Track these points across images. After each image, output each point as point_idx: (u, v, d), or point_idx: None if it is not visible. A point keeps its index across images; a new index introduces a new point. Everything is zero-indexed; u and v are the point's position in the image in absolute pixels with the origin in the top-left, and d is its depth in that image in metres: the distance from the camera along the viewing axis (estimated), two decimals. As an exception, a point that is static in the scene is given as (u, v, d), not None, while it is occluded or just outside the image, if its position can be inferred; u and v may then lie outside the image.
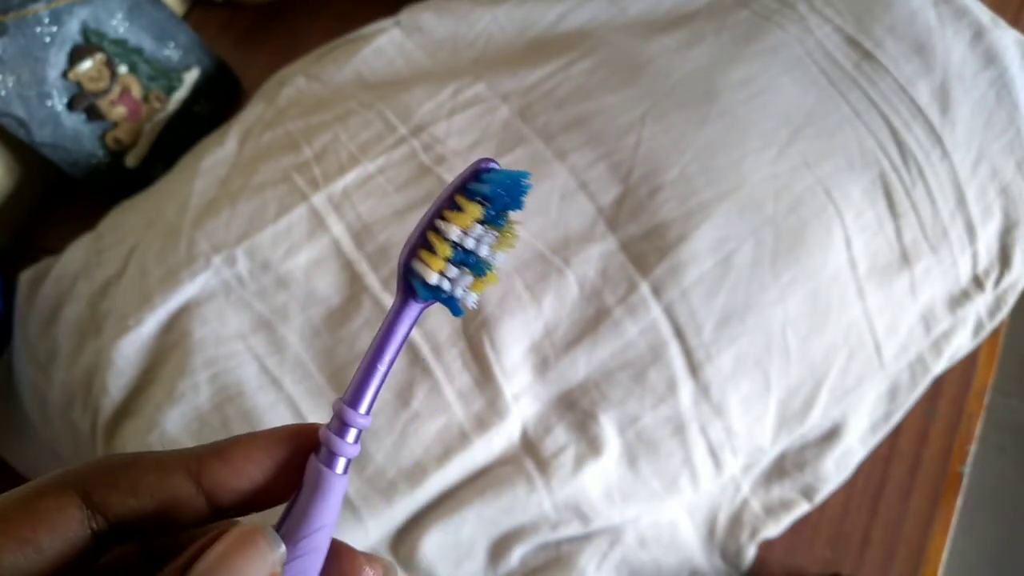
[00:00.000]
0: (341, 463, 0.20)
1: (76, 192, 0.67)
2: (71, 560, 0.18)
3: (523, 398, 0.46)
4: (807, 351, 0.46)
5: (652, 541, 0.47)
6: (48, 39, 0.56)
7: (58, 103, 0.58)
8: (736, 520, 0.49)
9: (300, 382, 0.46)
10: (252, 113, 0.57)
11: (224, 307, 0.48)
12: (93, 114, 0.60)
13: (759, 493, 0.49)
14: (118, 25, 0.60)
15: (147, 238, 0.52)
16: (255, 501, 0.20)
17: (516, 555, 0.46)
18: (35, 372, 0.52)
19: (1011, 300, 0.51)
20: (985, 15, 0.52)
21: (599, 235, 0.47)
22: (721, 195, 0.47)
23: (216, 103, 0.68)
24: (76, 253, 0.54)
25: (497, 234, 0.21)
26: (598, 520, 0.45)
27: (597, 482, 0.45)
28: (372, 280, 0.48)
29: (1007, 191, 0.50)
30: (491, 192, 0.20)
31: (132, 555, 0.20)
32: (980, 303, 0.50)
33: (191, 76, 0.66)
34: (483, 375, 0.46)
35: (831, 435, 0.49)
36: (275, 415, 0.46)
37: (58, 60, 0.57)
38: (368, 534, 0.45)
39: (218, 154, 0.54)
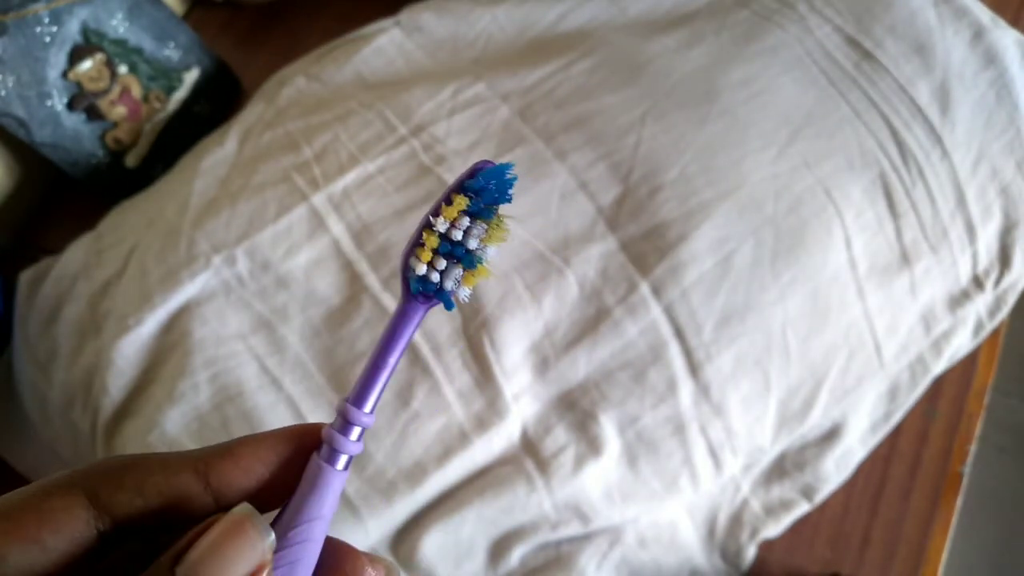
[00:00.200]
0: (341, 459, 0.20)
1: (76, 192, 0.67)
2: (76, 560, 0.18)
3: (523, 398, 0.46)
4: (807, 351, 0.46)
5: (652, 541, 0.47)
6: (48, 39, 0.56)
7: (58, 103, 0.58)
8: (736, 520, 0.49)
9: (300, 382, 0.46)
10: (252, 113, 0.57)
11: (224, 307, 0.48)
12: (93, 114, 0.60)
13: (759, 493, 0.49)
14: (118, 25, 0.60)
15: (147, 238, 0.52)
16: (262, 500, 0.20)
17: (516, 555, 0.46)
18: (35, 372, 0.52)
19: (1011, 300, 0.51)
20: (985, 15, 0.52)
21: (599, 235, 0.47)
22: (721, 195, 0.47)
23: (216, 103, 0.68)
24: (76, 253, 0.54)
25: (486, 227, 0.21)
26: (598, 520, 0.45)
27: (597, 482, 0.45)
28: (372, 280, 0.48)
29: (1007, 191, 0.50)
30: (478, 185, 0.21)
31: (137, 554, 0.21)
32: (980, 303, 0.50)
33: (191, 76, 0.66)
34: (483, 375, 0.46)
35: (831, 435, 0.49)
36: (275, 415, 0.46)
37: (58, 60, 0.57)
38: (368, 534, 0.45)
39: (218, 154, 0.54)
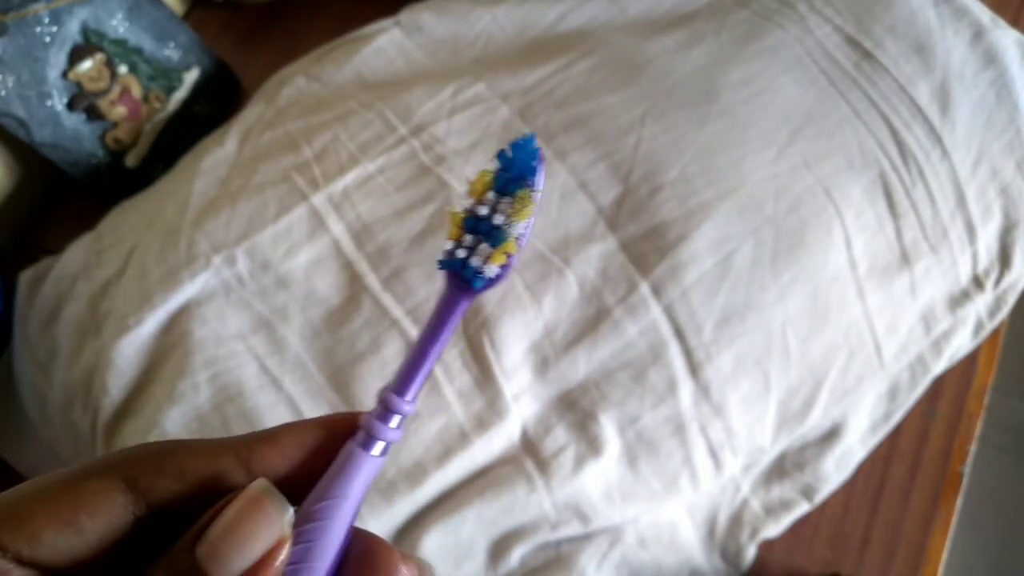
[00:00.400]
0: (376, 445, 0.20)
1: (76, 192, 0.67)
2: (112, 544, 0.18)
3: (523, 398, 0.46)
4: (807, 351, 0.46)
5: (652, 541, 0.47)
6: (48, 39, 0.56)
7: (58, 103, 0.58)
8: (736, 520, 0.49)
9: (300, 382, 0.46)
10: (252, 113, 0.57)
11: (224, 307, 0.48)
12: (93, 114, 0.60)
13: (759, 493, 0.49)
14: (118, 25, 0.60)
15: (147, 238, 0.52)
16: (300, 486, 0.20)
17: (516, 555, 0.46)
18: (35, 372, 0.52)
19: (1011, 300, 0.51)
20: (985, 15, 0.52)
21: (599, 235, 0.47)
22: (721, 195, 0.47)
23: (216, 103, 0.68)
24: (76, 253, 0.54)
25: (512, 201, 0.21)
26: (598, 520, 0.45)
27: (597, 482, 0.45)
28: (372, 280, 0.48)
29: (1007, 191, 0.50)
30: (504, 161, 0.20)
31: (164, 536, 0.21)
32: (980, 303, 0.50)
33: (191, 76, 0.66)
34: (483, 375, 0.46)
35: (831, 435, 0.49)
36: (275, 415, 0.46)
37: (58, 60, 0.57)
38: (368, 534, 0.45)
39: (218, 154, 0.54)
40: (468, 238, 0.21)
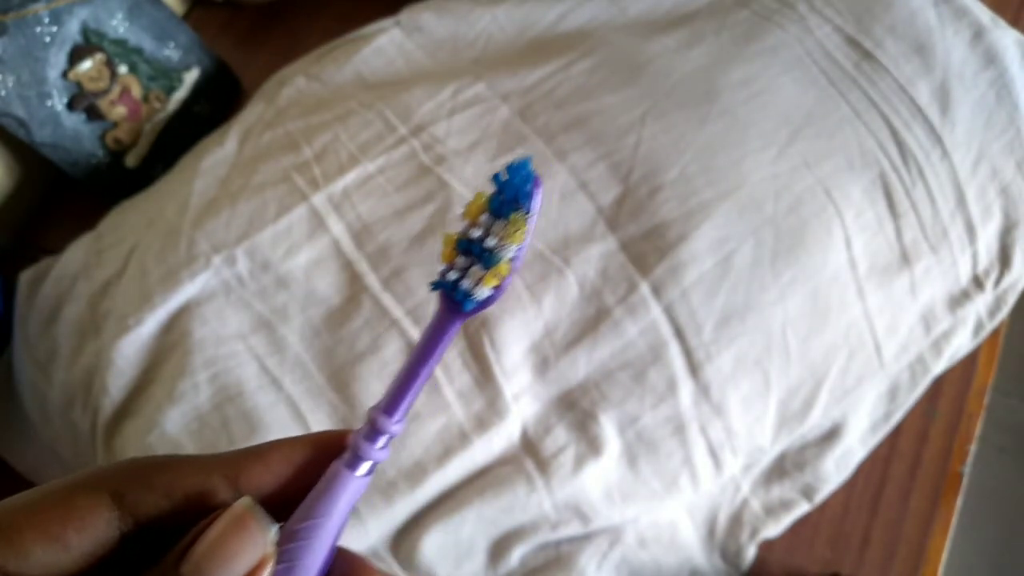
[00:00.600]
0: (362, 465, 0.20)
1: (76, 192, 0.67)
2: (98, 560, 0.18)
3: (523, 398, 0.46)
4: (807, 351, 0.46)
5: (652, 541, 0.47)
6: (48, 39, 0.56)
7: (58, 103, 0.58)
8: (736, 520, 0.49)
9: (300, 382, 0.46)
10: (252, 113, 0.57)
11: (224, 307, 0.48)
12: (93, 114, 0.60)
13: (759, 493, 0.49)
14: (118, 25, 0.60)
15: (147, 238, 0.52)
16: (287, 504, 0.20)
17: (516, 555, 0.46)
18: (35, 372, 0.52)
19: (1011, 300, 0.51)
20: (985, 15, 0.52)
21: (599, 235, 0.47)
22: (721, 195, 0.47)
23: (216, 103, 0.68)
24: (76, 253, 0.54)
25: (505, 224, 0.21)
26: (598, 520, 0.45)
27: (597, 482, 0.45)
28: (372, 280, 0.48)
29: (1007, 191, 0.50)
30: (497, 181, 0.21)
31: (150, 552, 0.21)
32: (980, 303, 0.50)
33: (191, 76, 0.66)
34: (483, 375, 0.46)
35: (831, 435, 0.49)
36: (275, 415, 0.46)
37: (58, 60, 0.57)
38: (368, 534, 0.45)
39: (218, 154, 0.54)
40: (461, 260, 0.21)
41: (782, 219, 0.47)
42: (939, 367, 0.50)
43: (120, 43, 0.60)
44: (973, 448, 0.50)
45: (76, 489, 0.19)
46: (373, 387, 0.46)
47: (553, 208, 0.48)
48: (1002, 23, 0.53)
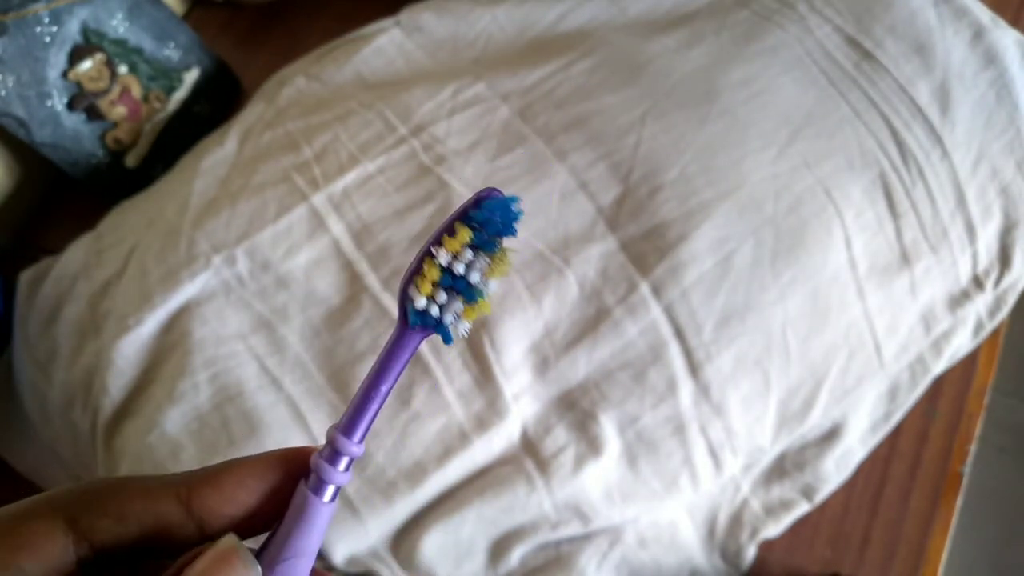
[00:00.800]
0: (329, 491, 0.20)
1: (76, 192, 0.67)
2: None
3: (523, 398, 0.46)
4: (807, 351, 0.46)
5: (652, 541, 0.47)
6: (48, 39, 0.56)
7: (58, 103, 0.58)
8: (736, 520, 0.49)
9: (300, 382, 0.46)
10: (252, 113, 0.57)
11: (224, 307, 0.48)
12: (93, 114, 0.60)
13: (759, 493, 0.49)
14: (118, 25, 0.60)
15: (147, 238, 0.52)
16: (246, 526, 0.20)
17: (516, 555, 0.46)
18: (35, 372, 0.52)
19: (1011, 300, 0.51)
20: (985, 15, 0.52)
21: (599, 235, 0.47)
22: (721, 195, 0.47)
23: (216, 103, 0.68)
24: (76, 253, 0.54)
25: (489, 260, 0.20)
26: (598, 520, 0.46)
27: (597, 482, 0.45)
28: (372, 280, 0.48)
29: (1007, 191, 0.50)
30: (483, 217, 0.20)
31: None
32: (980, 303, 0.50)
33: (191, 76, 0.66)
34: (483, 375, 0.46)
35: (831, 435, 0.49)
36: (275, 415, 0.46)
37: (58, 60, 0.57)
38: (368, 534, 0.45)
39: (218, 154, 0.54)
40: (442, 295, 0.20)
41: (782, 219, 0.47)
42: (939, 367, 0.50)
43: (120, 43, 0.60)
44: (973, 448, 0.50)
45: (29, 515, 0.18)
46: (373, 387, 0.46)
47: (553, 208, 0.48)
48: (1002, 23, 0.53)
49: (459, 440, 0.45)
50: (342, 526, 0.44)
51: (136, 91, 0.62)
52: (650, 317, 0.45)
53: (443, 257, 0.20)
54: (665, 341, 0.45)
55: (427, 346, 0.46)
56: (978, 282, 0.50)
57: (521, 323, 0.46)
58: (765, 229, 0.46)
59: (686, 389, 0.45)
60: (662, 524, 0.48)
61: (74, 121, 0.59)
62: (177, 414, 0.46)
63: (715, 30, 0.53)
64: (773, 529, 0.48)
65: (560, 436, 0.46)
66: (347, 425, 0.21)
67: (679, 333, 0.45)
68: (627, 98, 0.50)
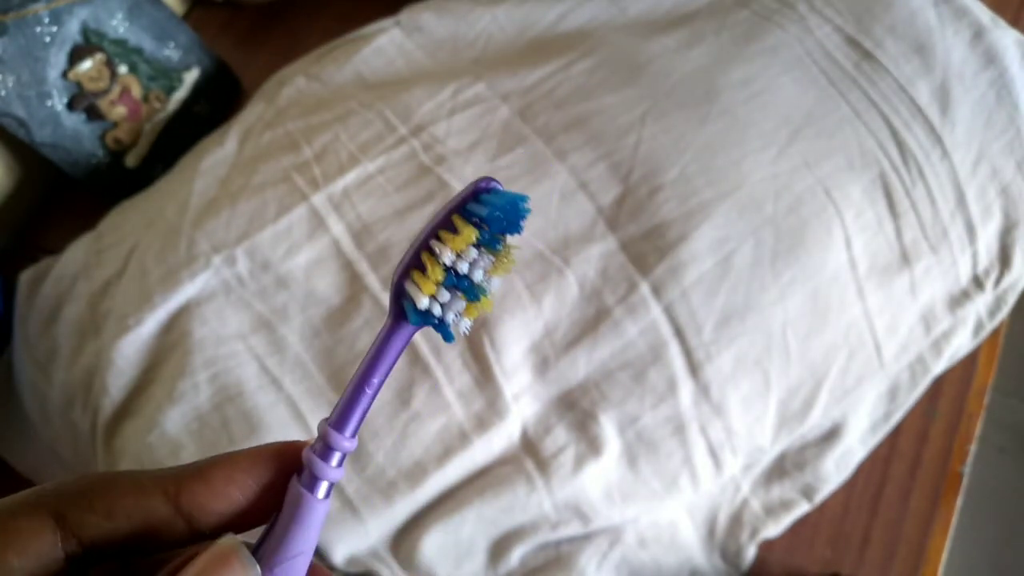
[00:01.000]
0: (323, 487, 0.20)
1: (76, 192, 0.67)
2: None
3: (523, 398, 0.46)
4: (807, 351, 0.46)
5: (652, 541, 0.47)
6: (48, 39, 0.56)
7: (58, 103, 0.58)
8: (736, 520, 0.49)
9: (300, 382, 0.46)
10: (252, 113, 0.57)
11: (224, 307, 0.48)
12: (93, 114, 0.60)
13: (759, 493, 0.49)
14: (118, 25, 0.60)
15: (147, 238, 0.52)
16: (237, 523, 0.20)
17: (516, 555, 0.46)
18: (35, 372, 0.52)
19: (1011, 300, 0.51)
20: (985, 15, 0.52)
21: (599, 235, 0.47)
22: (721, 195, 0.47)
23: (216, 103, 0.68)
24: (76, 253, 0.54)
25: (493, 258, 0.20)
26: (598, 520, 0.45)
27: (597, 482, 0.45)
28: (372, 280, 0.48)
29: (1007, 191, 0.50)
30: (489, 214, 0.19)
31: (114, 574, 0.20)
32: (980, 303, 0.50)
33: (191, 76, 0.66)
34: (483, 375, 0.46)
35: (831, 435, 0.49)
36: (275, 415, 0.46)
37: (58, 60, 0.57)
38: (368, 534, 0.45)
39: (218, 154, 0.54)
40: (445, 295, 0.20)
41: (782, 219, 0.47)
42: (939, 367, 0.50)
43: (120, 43, 0.60)
44: (973, 448, 0.50)
45: (16, 511, 0.18)
46: (373, 387, 0.46)
47: (553, 208, 0.48)
48: (1002, 23, 0.53)
49: (459, 440, 0.45)
50: (342, 526, 0.44)
51: (136, 91, 0.62)
52: (650, 317, 0.45)
53: (447, 256, 0.19)
54: (665, 341, 0.45)
55: (427, 346, 0.46)
56: (978, 282, 0.50)
57: (521, 323, 0.46)
58: (765, 229, 0.46)
59: (686, 389, 0.45)
60: (662, 524, 0.48)
61: (74, 121, 0.59)
62: (177, 414, 0.46)
63: (715, 30, 0.53)
64: (773, 529, 0.48)
65: (560, 436, 0.46)
66: (339, 419, 0.20)
67: (679, 333, 0.45)
68: (627, 98, 0.50)
